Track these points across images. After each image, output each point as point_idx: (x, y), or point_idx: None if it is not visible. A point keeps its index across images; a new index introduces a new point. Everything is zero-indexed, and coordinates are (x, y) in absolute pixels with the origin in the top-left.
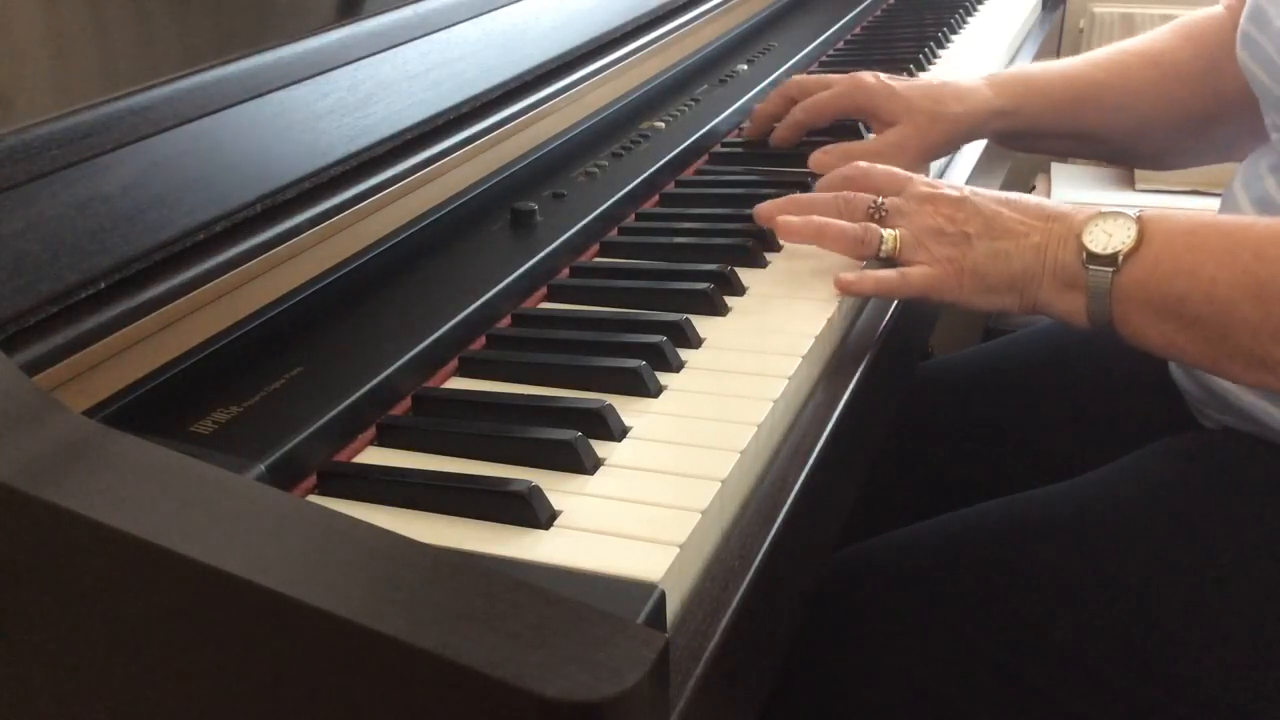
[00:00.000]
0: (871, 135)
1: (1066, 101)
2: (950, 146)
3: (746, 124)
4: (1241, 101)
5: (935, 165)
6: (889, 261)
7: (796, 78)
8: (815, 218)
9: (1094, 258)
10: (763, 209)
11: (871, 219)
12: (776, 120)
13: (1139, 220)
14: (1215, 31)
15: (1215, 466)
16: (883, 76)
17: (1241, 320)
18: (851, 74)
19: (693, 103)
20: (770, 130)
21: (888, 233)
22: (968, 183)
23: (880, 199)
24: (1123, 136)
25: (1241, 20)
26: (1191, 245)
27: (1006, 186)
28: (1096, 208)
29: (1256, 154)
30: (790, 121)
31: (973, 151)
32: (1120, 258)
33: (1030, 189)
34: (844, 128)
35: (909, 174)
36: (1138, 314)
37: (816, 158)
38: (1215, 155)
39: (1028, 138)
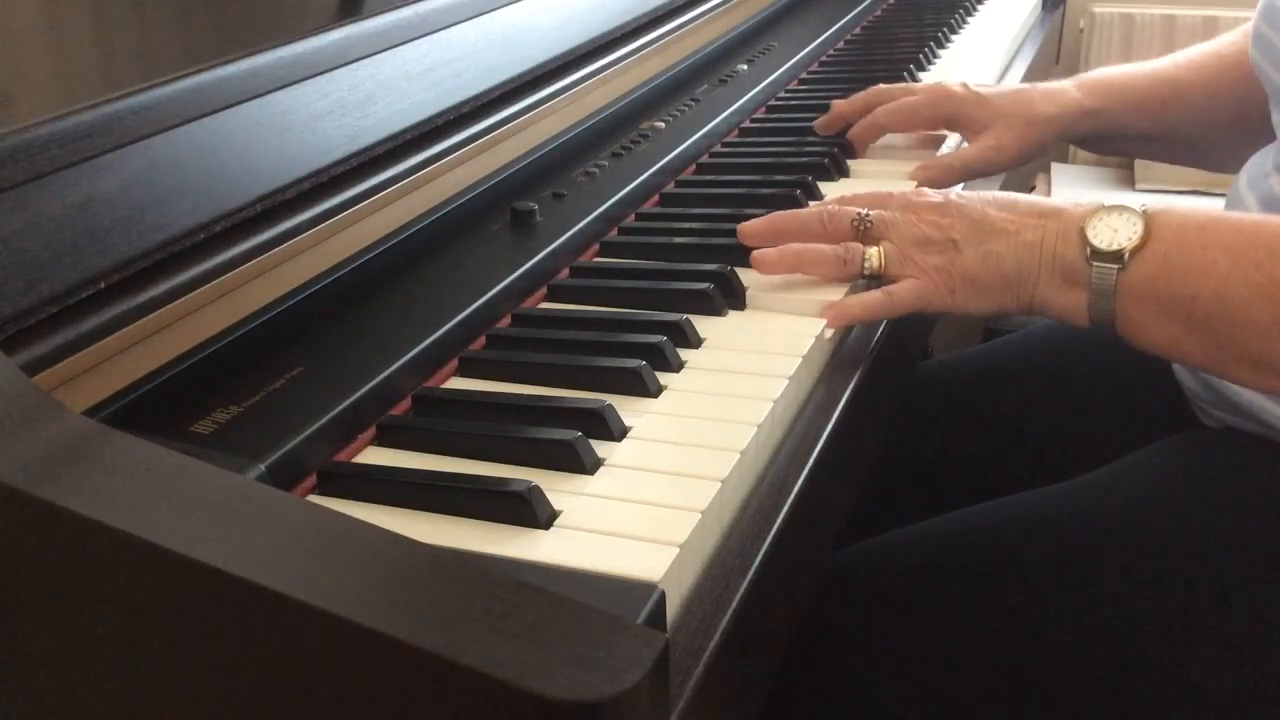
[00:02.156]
0: (964, 144)
1: (1153, 102)
2: (1045, 148)
3: (748, 122)
4: None
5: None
6: (875, 279)
7: (882, 85)
8: (793, 245)
9: (1099, 254)
10: (746, 229)
11: (856, 233)
12: (850, 121)
13: (1145, 215)
14: None
15: (1217, 467)
16: (970, 84)
17: (1252, 321)
18: (937, 83)
19: (693, 103)
20: (845, 126)
21: (871, 250)
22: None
23: (865, 211)
24: (1204, 137)
25: (1254, 18)
26: (1203, 242)
27: (1007, 185)
28: (1096, 202)
29: (1262, 153)
30: (871, 121)
31: None
32: (1126, 254)
33: (1030, 189)
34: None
35: (889, 190)
36: (1142, 312)
37: (914, 173)
38: None
39: (1112, 139)
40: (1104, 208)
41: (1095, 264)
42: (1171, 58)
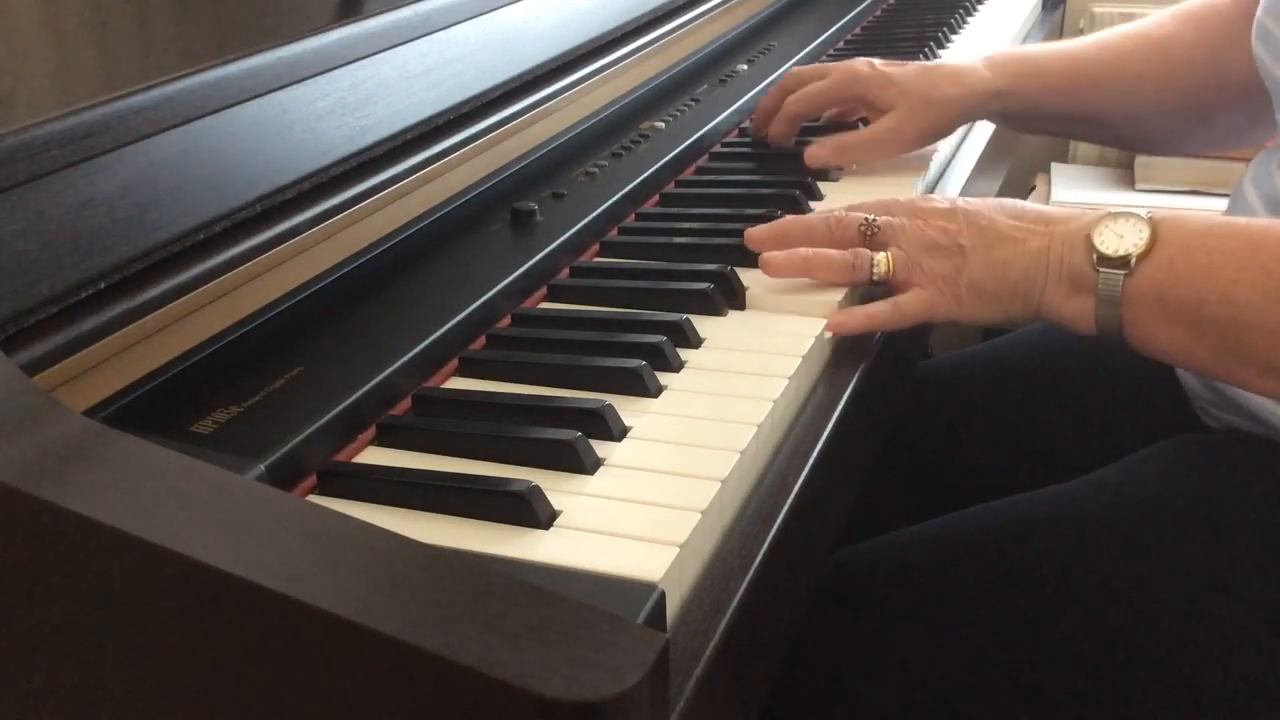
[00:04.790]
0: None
1: (1065, 82)
2: (947, 129)
3: (748, 122)
4: (1245, 90)
5: (935, 165)
6: (884, 287)
7: (794, 70)
8: (801, 250)
9: (1105, 260)
10: (753, 235)
11: (863, 238)
12: (773, 114)
13: (1151, 221)
14: (1220, 18)
15: (1219, 468)
16: (877, 63)
17: (1259, 325)
18: (846, 62)
19: (693, 103)
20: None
21: (880, 256)
22: (967, 183)
23: (872, 217)
24: (1121, 120)
25: (1259, 12)
26: (1209, 247)
27: (1007, 186)
28: (1104, 209)
29: (1267, 152)
30: (785, 114)
31: (972, 151)
32: (1133, 260)
33: (1030, 189)
34: (842, 126)
35: (896, 198)
36: (1149, 318)
37: (811, 153)
38: (1216, 143)
39: (1026, 119)
40: (1110, 214)
41: (1102, 270)
42: (1092, 38)
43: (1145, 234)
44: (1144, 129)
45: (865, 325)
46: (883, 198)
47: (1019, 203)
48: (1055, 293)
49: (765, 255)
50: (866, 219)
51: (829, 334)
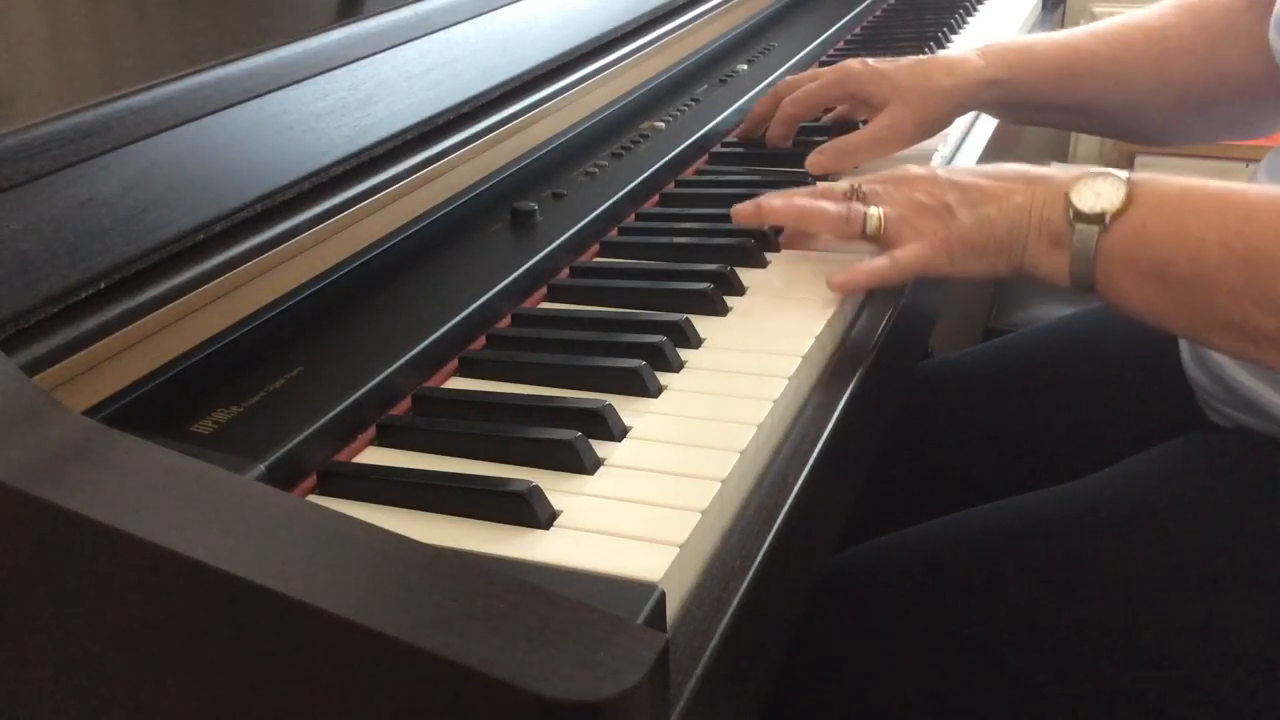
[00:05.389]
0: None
1: (1062, 72)
2: (945, 121)
3: (740, 129)
4: (1245, 81)
5: (936, 164)
6: (876, 247)
7: (788, 78)
8: (797, 200)
9: (1081, 216)
10: (737, 210)
11: (853, 200)
12: (767, 120)
13: (1129, 181)
14: (1220, 9)
15: (1224, 467)
16: (870, 61)
17: (1225, 284)
18: (839, 63)
19: (693, 103)
20: (765, 130)
21: (872, 211)
22: None
23: (858, 183)
24: (1119, 110)
25: (1278, 4)
26: (1181, 209)
27: None
28: (1083, 168)
29: (1278, 150)
30: (781, 116)
31: (972, 151)
32: (1108, 217)
33: None
34: (843, 126)
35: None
36: (1121, 275)
37: (812, 159)
38: (1215, 134)
39: (1023, 108)
40: (1090, 174)
41: (1078, 226)
42: (1089, 28)
43: (1121, 193)
44: (1142, 119)
45: (867, 281)
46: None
47: (999, 165)
48: (1037, 247)
49: (764, 198)
50: (853, 184)
51: (837, 293)
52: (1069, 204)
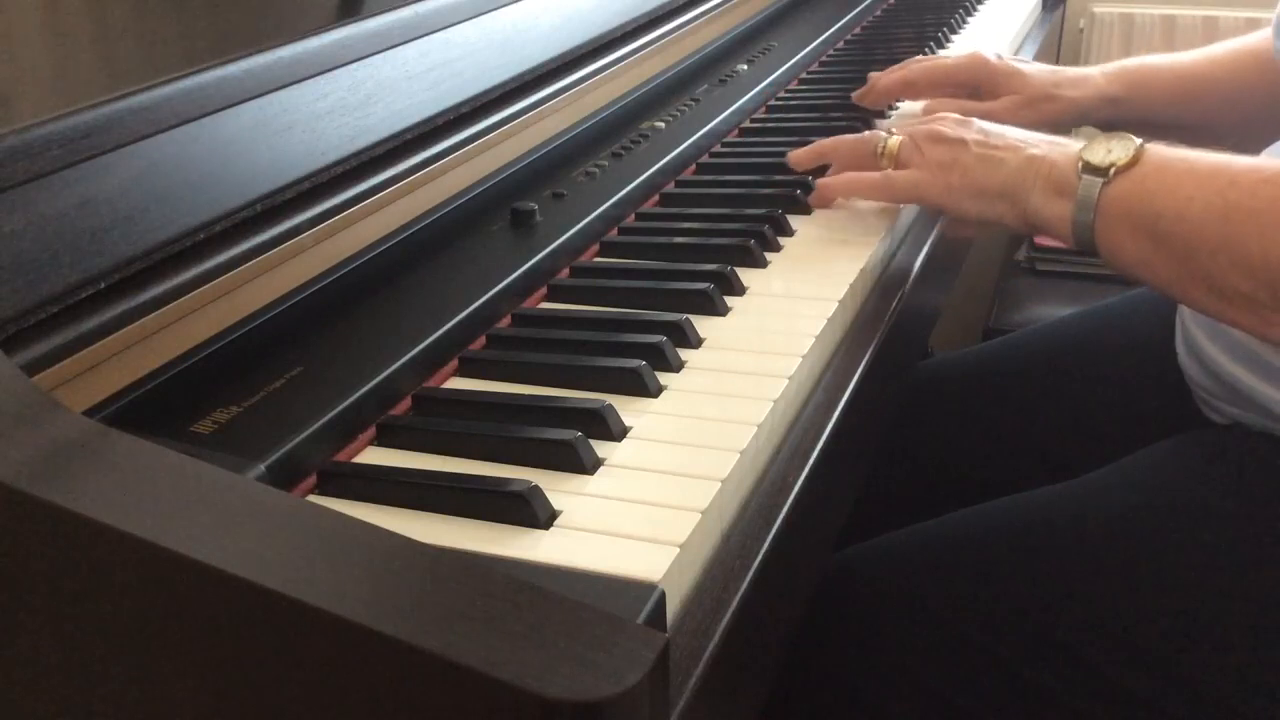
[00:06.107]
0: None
1: (1177, 95)
2: (1058, 126)
3: (749, 122)
4: None
5: None
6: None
7: (917, 58)
8: (825, 140)
9: (1089, 167)
10: (793, 157)
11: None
12: (888, 94)
13: (1142, 144)
14: None
15: (1222, 464)
16: (1005, 56)
17: (1204, 240)
18: (975, 51)
19: (693, 103)
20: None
21: (892, 138)
22: None
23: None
24: (1231, 129)
25: (1276, 14)
26: (1179, 170)
27: None
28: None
29: None
30: (901, 76)
31: None
32: (1112, 170)
33: None
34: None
35: None
36: (1118, 227)
37: (930, 107)
38: None
39: (1134, 127)
40: (1108, 135)
41: (1084, 176)
42: (1205, 52)
43: (1131, 151)
44: (1247, 136)
45: (853, 187)
46: None
47: (1036, 133)
48: (1041, 195)
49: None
50: (889, 130)
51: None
52: (1079, 156)
